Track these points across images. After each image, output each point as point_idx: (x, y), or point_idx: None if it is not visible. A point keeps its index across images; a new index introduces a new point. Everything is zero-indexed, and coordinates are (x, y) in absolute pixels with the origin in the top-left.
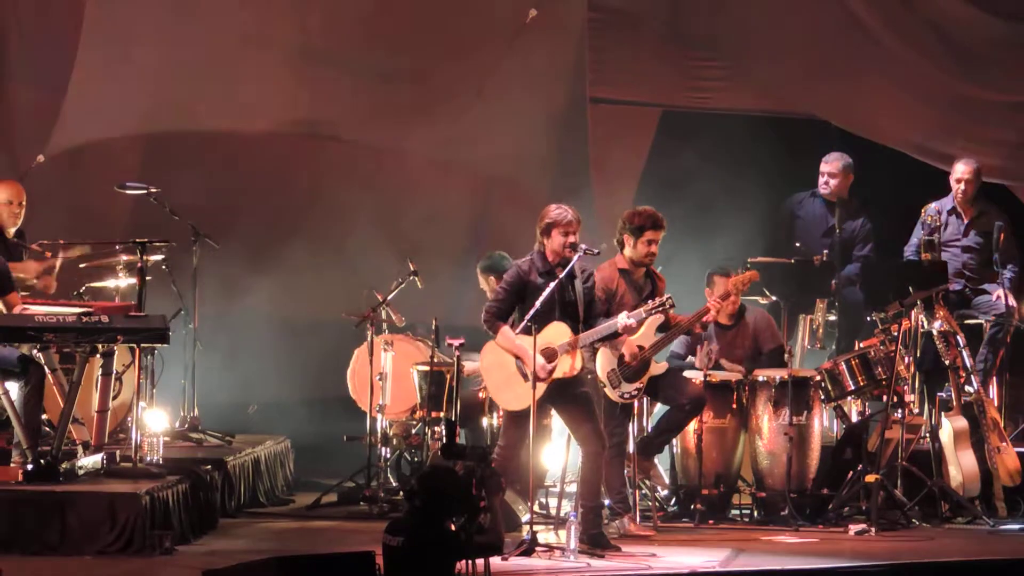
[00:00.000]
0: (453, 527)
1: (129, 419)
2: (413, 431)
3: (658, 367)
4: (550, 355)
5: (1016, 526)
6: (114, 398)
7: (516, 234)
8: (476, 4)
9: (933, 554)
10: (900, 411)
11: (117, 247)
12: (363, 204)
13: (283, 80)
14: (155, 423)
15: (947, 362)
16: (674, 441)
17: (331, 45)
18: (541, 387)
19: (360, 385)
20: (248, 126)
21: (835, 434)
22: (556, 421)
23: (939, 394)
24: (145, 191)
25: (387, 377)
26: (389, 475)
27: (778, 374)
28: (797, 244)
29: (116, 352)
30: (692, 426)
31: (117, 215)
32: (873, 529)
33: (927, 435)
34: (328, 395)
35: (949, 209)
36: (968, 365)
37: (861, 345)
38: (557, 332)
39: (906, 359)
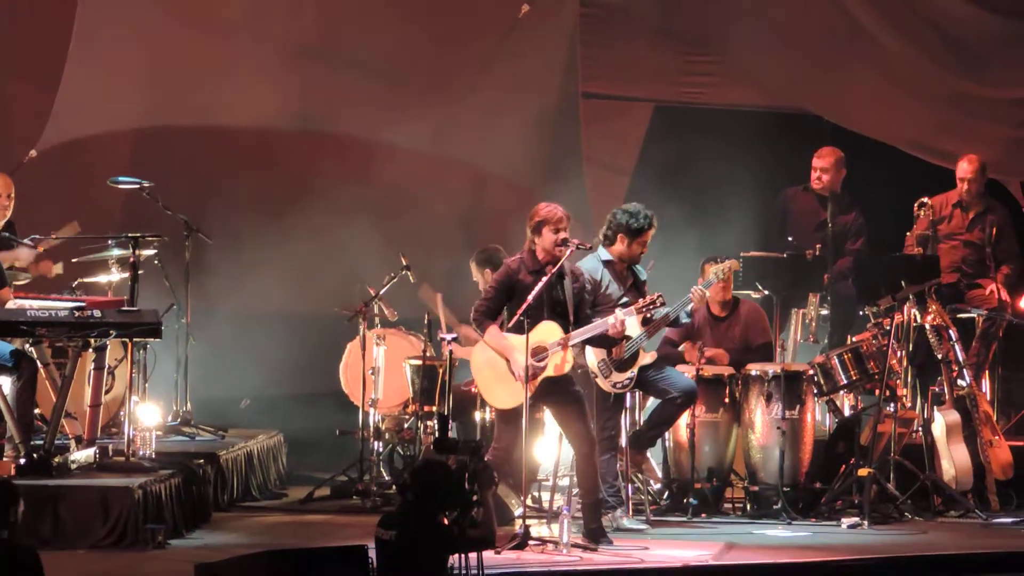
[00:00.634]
0: (446, 521)
1: (122, 413)
2: (406, 425)
3: (647, 356)
4: (540, 353)
5: (1008, 519)
6: (106, 392)
7: (509, 228)
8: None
9: (926, 547)
10: (893, 405)
11: (109, 241)
12: (356, 198)
13: (275, 74)
14: (147, 417)
15: (940, 356)
16: (666, 435)
17: (324, 39)
18: (532, 385)
19: (352, 379)
20: (241, 120)
21: (828, 428)
22: (548, 415)
23: (932, 388)
24: (138, 186)
25: (379, 371)
26: (382, 469)
27: (771, 368)
28: (789, 238)
29: (108, 346)
30: (684, 420)
31: (110, 210)
32: (866, 523)
33: (919, 429)
34: (321, 389)
35: (955, 203)
36: (961, 359)
37: (854, 339)
38: (548, 331)
39: (899, 353)
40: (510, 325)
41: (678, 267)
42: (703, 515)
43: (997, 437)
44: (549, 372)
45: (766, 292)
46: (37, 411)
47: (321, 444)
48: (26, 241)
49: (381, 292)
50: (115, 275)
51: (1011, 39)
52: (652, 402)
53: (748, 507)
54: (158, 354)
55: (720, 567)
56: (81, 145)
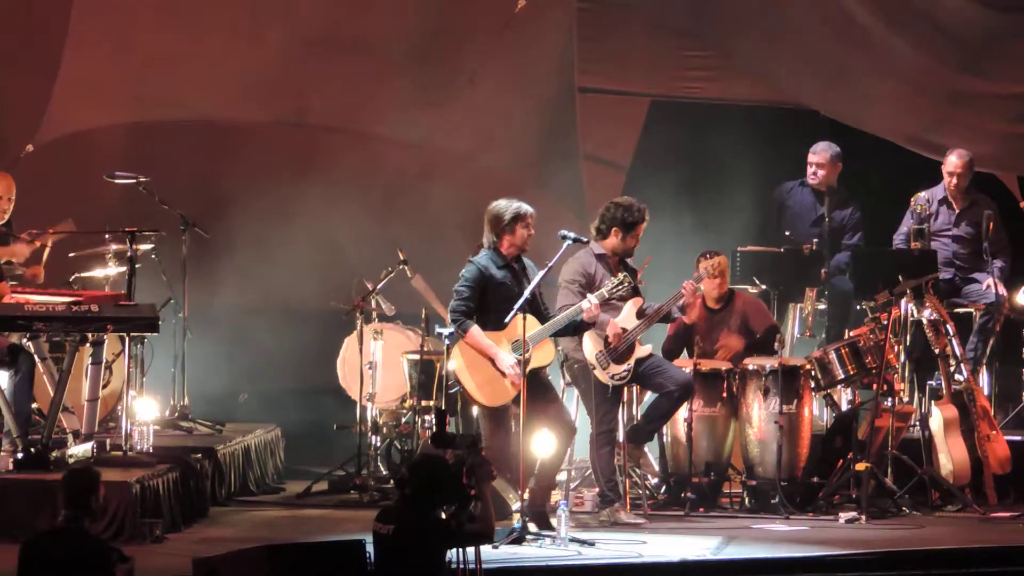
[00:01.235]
0: (444, 515)
1: (119, 408)
2: (403, 420)
3: (643, 349)
4: (519, 348)
5: (1006, 514)
6: (104, 387)
7: None
8: None
9: (923, 542)
10: (890, 399)
11: (107, 236)
12: (353, 193)
13: (273, 69)
14: (145, 412)
15: (937, 351)
16: (664, 429)
17: (321, 34)
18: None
19: (350, 374)
20: (238, 115)
21: (825, 423)
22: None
23: (929, 382)
24: (135, 180)
25: (377, 366)
26: (379, 463)
27: (768, 363)
28: (787, 233)
29: (106, 341)
30: (682, 414)
31: (107, 204)
32: (863, 517)
33: (917, 423)
34: (318, 384)
35: (940, 199)
36: (958, 353)
37: (851, 334)
38: (527, 324)
39: (896, 348)
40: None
41: (674, 261)
42: (701, 509)
43: (994, 431)
44: (535, 364)
45: (763, 287)
46: (35, 405)
47: (319, 438)
48: (23, 236)
49: (379, 287)
50: (112, 269)
51: (1008, 34)
52: (649, 396)
53: (746, 501)
54: (155, 348)
55: (718, 562)
56: (78, 140)
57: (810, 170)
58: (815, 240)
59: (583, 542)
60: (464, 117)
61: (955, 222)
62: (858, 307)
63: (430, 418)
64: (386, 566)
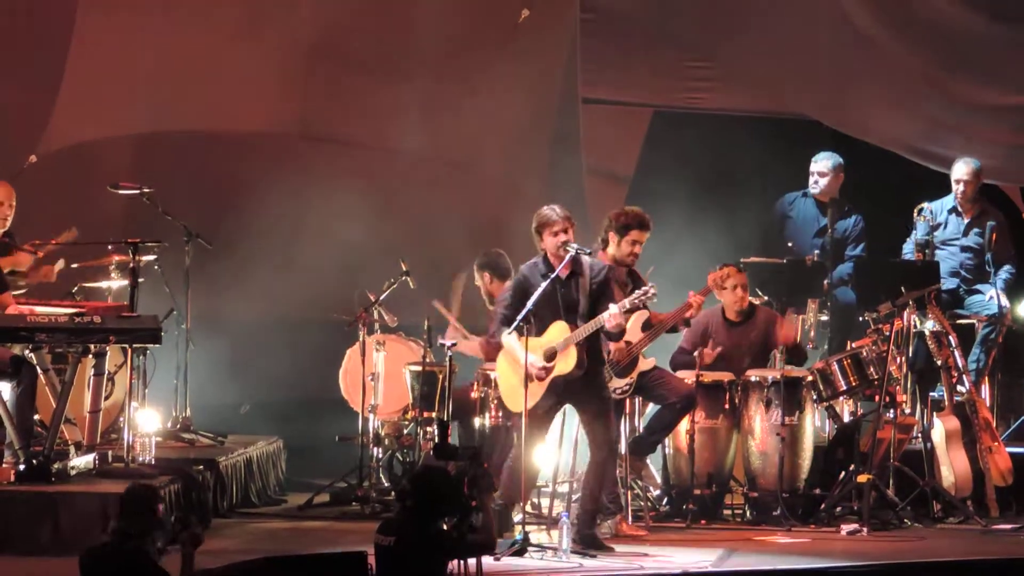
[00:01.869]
0: (445, 527)
1: (121, 419)
2: (405, 431)
3: (646, 362)
4: (550, 355)
5: (1008, 526)
6: (106, 398)
7: (509, 233)
8: (469, 3)
9: (925, 554)
10: (892, 411)
11: (109, 247)
12: (355, 204)
13: (275, 80)
14: (147, 423)
15: (939, 362)
16: (666, 441)
17: (324, 45)
18: (542, 387)
19: (352, 385)
20: (241, 126)
21: (827, 434)
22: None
23: (931, 394)
24: (138, 191)
25: (379, 377)
26: (381, 475)
27: (770, 374)
28: (789, 244)
29: (108, 352)
30: (684, 426)
31: (110, 215)
32: (865, 529)
33: (919, 435)
34: (320, 395)
35: (950, 208)
36: (960, 365)
37: (853, 345)
38: (558, 331)
39: (898, 359)
40: (510, 330)
41: (677, 273)
42: (702, 521)
43: (997, 443)
44: (557, 371)
45: (766, 298)
46: (37, 417)
47: (321, 450)
48: (26, 247)
49: (381, 298)
50: (115, 281)
51: (1011, 45)
52: (652, 408)
53: (747, 513)
54: (158, 360)
55: (720, 573)
56: (81, 150)
57: (812, 180)
58: (817, 251)
59: (585, 554)
60: (468, 127)
61: (964, 231)
62: (860, 318)
63: (432, 430)
64: None
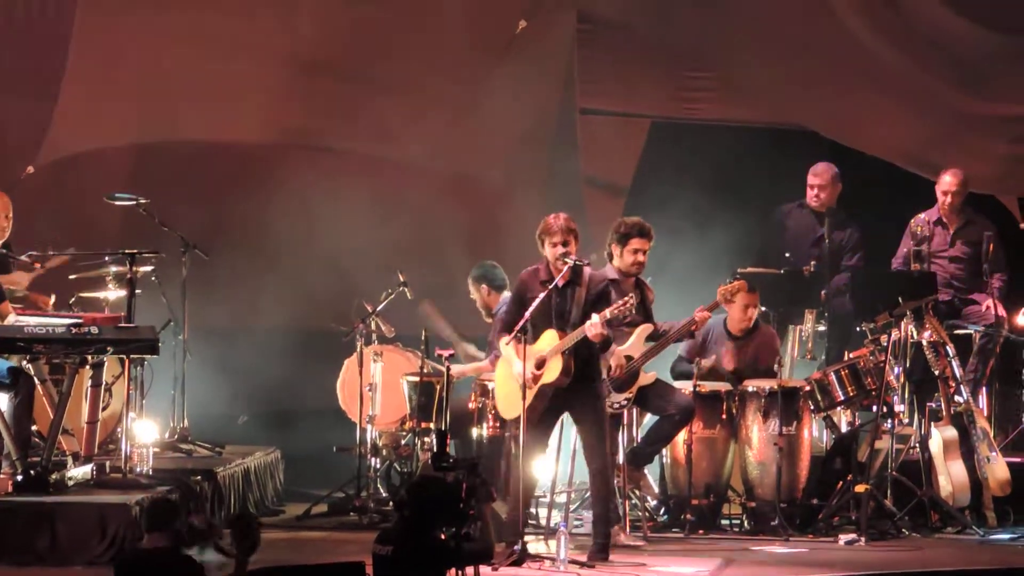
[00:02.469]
0: (443, 536)
1: (119, 430)
2: (403, 442)
3: (647, 377)
4: (540, 363)
5: (1006, 536)
6: (104, 409)
7: (507, 245)
8: (466, 15)
9: (923, 564)
10: (890, 421)
11: (107, 258)
12: (354, 215)
13: (274, 90)
14: (145, 434)
15: (937, 372)
16: (664, 451)
17: (322, 55)
18: (530, 394)
19: (350, 396)
20: (239, 136)
21: (825, 444)
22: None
23: (929, 404)
24: (135, 202)
25: (377, 388)
26: (379, 485)
27: (767, 384)
28: (786, 255)
29: (106, 363)
30: (682, 436)
31: (107, 226)
32: (863, 539)
33: (917, 445)
34: (318, 406)
35: (935, 220)
36: (958, 375)
37: (850, 355)
38: (548, 340)
39: (896, 369)
40: (508, 339)
41: (675, 283)
42: (700, 531)
43: (994, 453)
44: (546, 379)
45: (763, 308)
46: (34, 428)
47: (318, 460)
48: (23, 258)
49: (378, 308)
50: (112, 291)
51: (1007, 56)
52: (649, 419)
53: (745, 523)
54: (155, 370)
55: None
56: (78, 161)
57: (811, 191)
58: (814, 261)
59: (583, 564)
60: (466, 138)
61: (951, 242)
62: (858, 329)
63: (430, 440)
64: None
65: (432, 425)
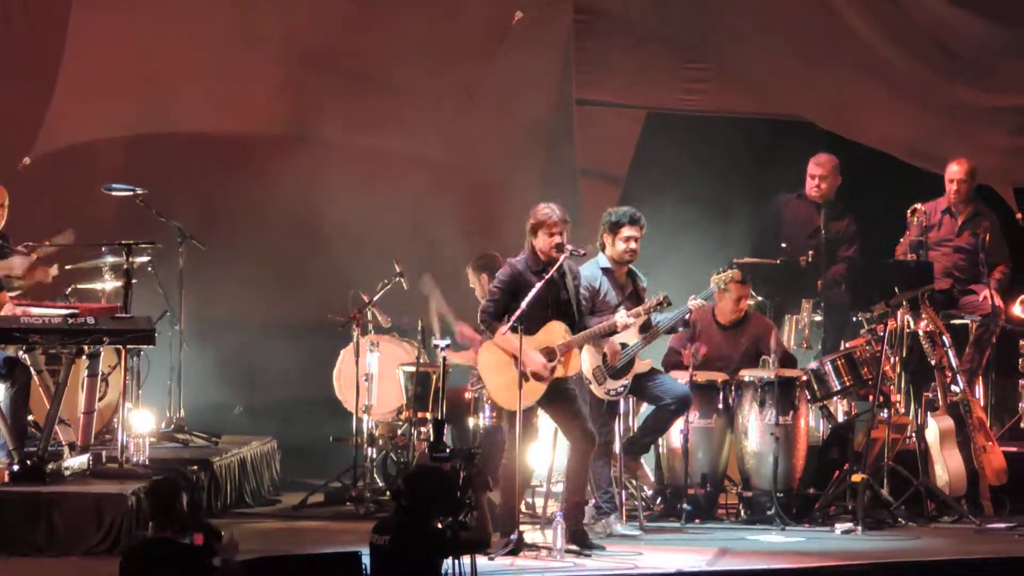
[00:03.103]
0: (439, 526)
1: (115, 420)
2: (399, 431)
3: (643, 364)
4: (549, 355)
5: (1002, 525)
6: (100, 399)
7: (504, 235)
8: (462, 6)
9: (919, 553)
10: (886, 411)
11: (103, 248)
12: (350, 206)
13: (270, 83)
14: (141, 424)
15: (933, 362)
16: (660, 441)
17: (319, 48)
18: (542, 387)
19: (346, 386)
20: (235, 128)
21: (821, 434)
22: (543, 419)
23: (925, 394)
24: (131, 193)
25: (373, 378)
26: (375, 475)
27: (764, 374)
28: (783, 245)
29: (102, 353)
30: (678, 426)
31: (103, 217)
32: (859, 528)
33: (913, 435)
34: (314, 396)
35: (944, 209)
36: (954, 365)
37: (847, 345)
38: (555, 331)
39: (892, 359)
40: (505, 329)
41: (672, 274)
42: (697, 521)
43: (990, 443)
44: (560, 373)
45: (759, 298)
46: (31, 418)
47: (315, 450)
48: (20, 248)
49: (375, 299)
50: (109, 282)
51: (1007, 47)
52: (646, 408)
53: (742, 513)
54: (151, 361)
55: (714, 573)
56: (75, 152)
57: (812, 182)
58: (811, 252)
59: (579, 553)
60: (462, 130)
61: (958, 232)
62: (854, 319)
63: (426, 430)
64: None
65: (428, 415)
